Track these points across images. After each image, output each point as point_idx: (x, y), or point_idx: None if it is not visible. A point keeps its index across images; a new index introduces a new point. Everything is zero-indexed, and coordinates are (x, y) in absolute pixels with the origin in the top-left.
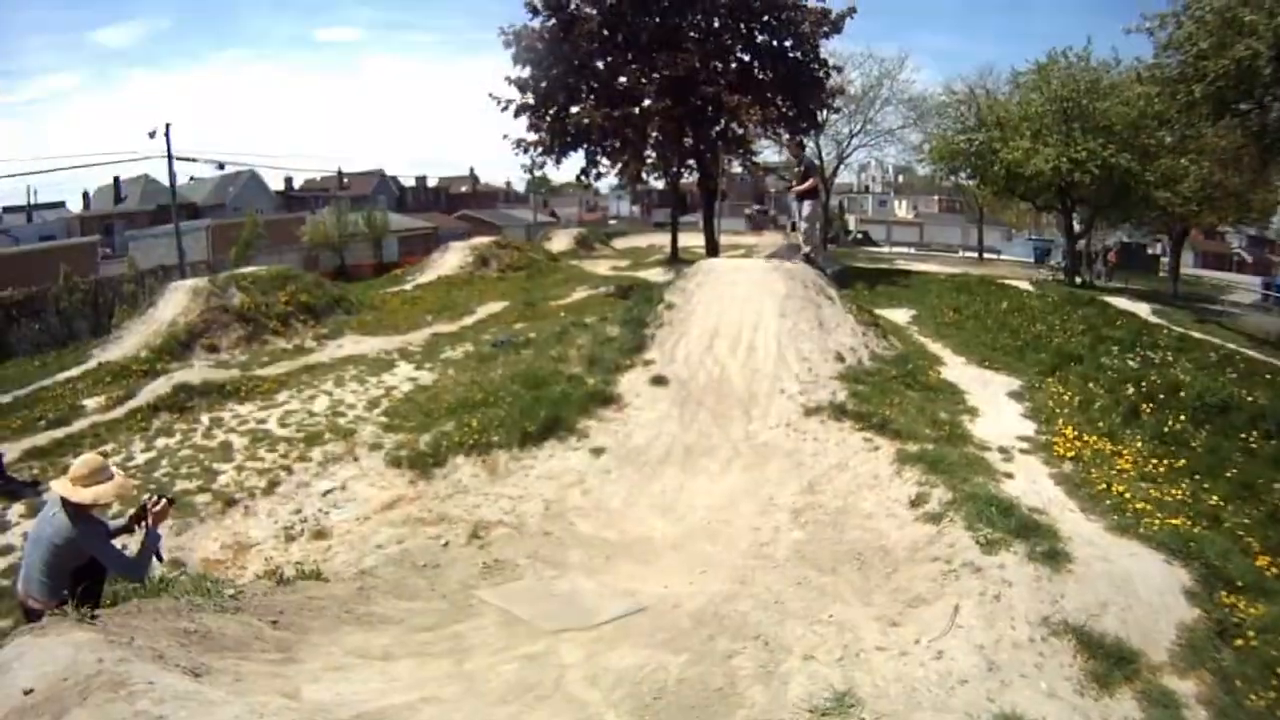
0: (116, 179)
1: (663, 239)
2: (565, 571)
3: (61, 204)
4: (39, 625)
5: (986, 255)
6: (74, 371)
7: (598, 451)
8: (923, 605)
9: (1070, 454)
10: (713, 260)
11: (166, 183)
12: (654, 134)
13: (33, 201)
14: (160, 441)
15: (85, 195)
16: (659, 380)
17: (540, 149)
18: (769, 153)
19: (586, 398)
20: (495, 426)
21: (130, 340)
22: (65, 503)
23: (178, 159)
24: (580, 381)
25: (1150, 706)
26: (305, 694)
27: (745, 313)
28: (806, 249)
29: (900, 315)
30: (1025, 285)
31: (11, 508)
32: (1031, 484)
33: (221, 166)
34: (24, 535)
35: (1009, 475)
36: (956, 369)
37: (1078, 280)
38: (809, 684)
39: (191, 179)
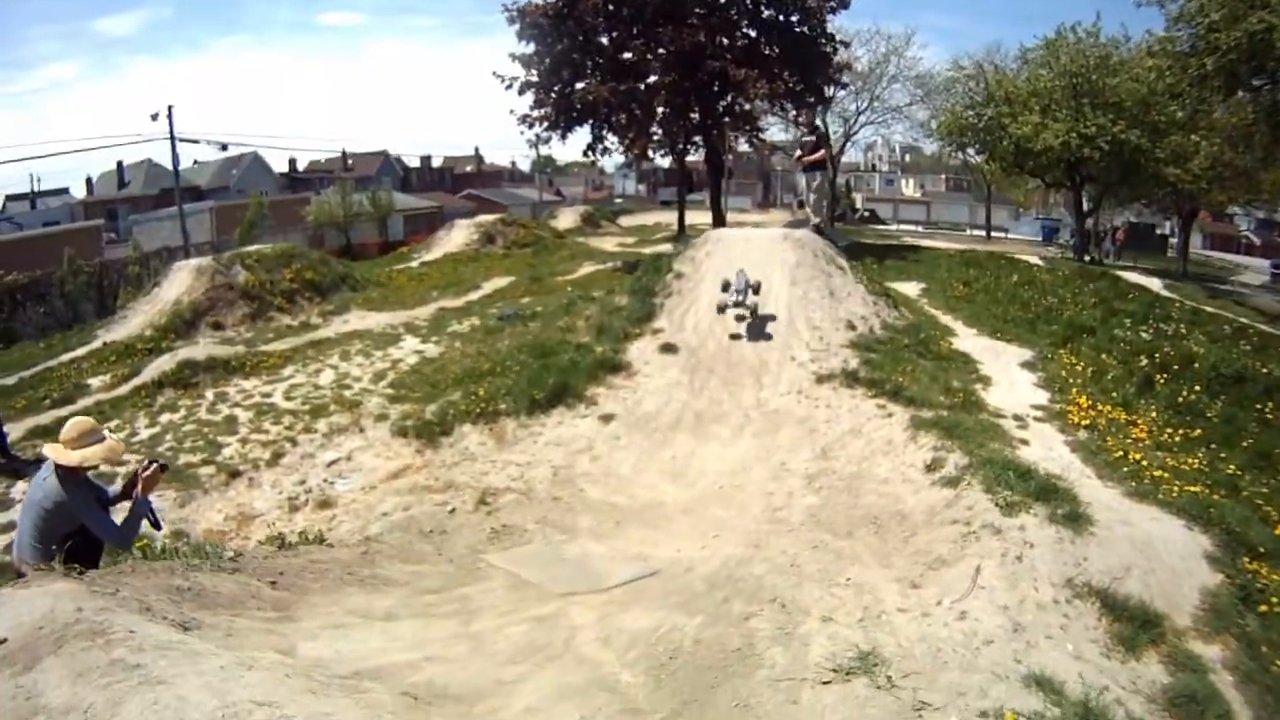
0: (119, 164)
1: (669, 217)
2: (575, 536)
3: (65, 190)
4: (22, 580)
5: (994, 234)
6: (79, 351)
7: (607, 418)
8: (944, 567)
9: (1085, 422)
10: (721, 230)
11: (169, 166)
12: (660, 109)
13: (36, 189)
14: (164, 417)
15: (88, 181)
16: (668, 348)
17: (546, 124)
18: (775, 129)
19: (595, 365)
20: (503, 395)
21: (135, 320)
22: (57, 467)
23: (181, 140)
24: (588, 350)
25: (1177, 670)
26: (301, 650)
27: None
28: (815, 220)
29: (910, 288)
30: (1035, 260)
31: (16, 485)
32: (1048, 450)
33: (225, 147)
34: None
35: (1024, 442)
36: (968, 340)
37: (1086, 259)
38: (830, 645)
39: (195, 163)
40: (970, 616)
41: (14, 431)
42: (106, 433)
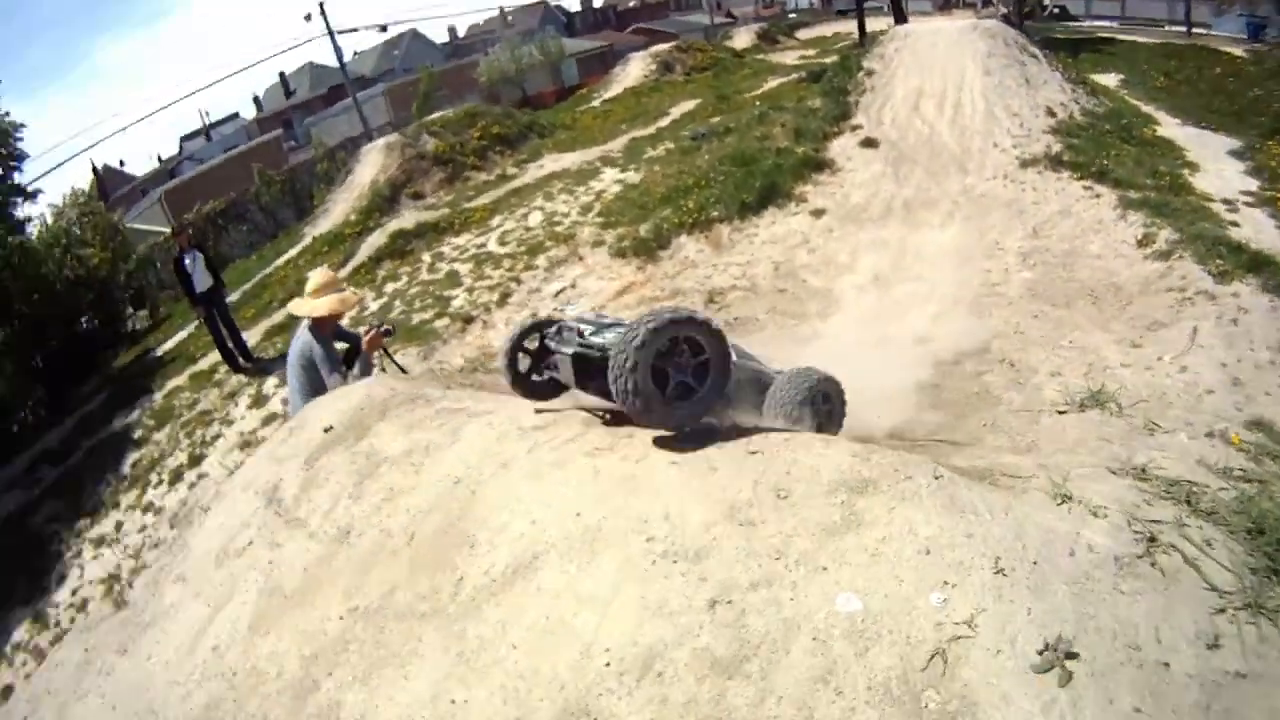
0: (282, 74)
1: (847, 26)
2: (805, 320)
3: (235, 115)
4: None
5: (1195, 30)
6: (291, 253)
7: (818, 213)
8: (1161, 329)
9: None
10: (907, 25)
11: (332, 64)
12: None
13: (207, 122)
14: (389, 287)
15: (255, 99)
16: (869, 143)
17: None
18: None
19: (799, 164)
20: (712, 204)
21: (337, 209)
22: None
23: (339, 32)
24: (789, 152)
25: None
26: None
27: (948, 73)
28: (1004, 10)
29: (1108, 80)
30: (1239, 52)
31: (267, 381)
32: (1258, 232)
33: (384, 28)
34: (283, 401)
35: (1234, 224)
36: (1172, 128)
37: None
38: (1061, 389)
39: (355, 54)
40: (1191, 370)
41: (252, 337)
42: (345, 284)
